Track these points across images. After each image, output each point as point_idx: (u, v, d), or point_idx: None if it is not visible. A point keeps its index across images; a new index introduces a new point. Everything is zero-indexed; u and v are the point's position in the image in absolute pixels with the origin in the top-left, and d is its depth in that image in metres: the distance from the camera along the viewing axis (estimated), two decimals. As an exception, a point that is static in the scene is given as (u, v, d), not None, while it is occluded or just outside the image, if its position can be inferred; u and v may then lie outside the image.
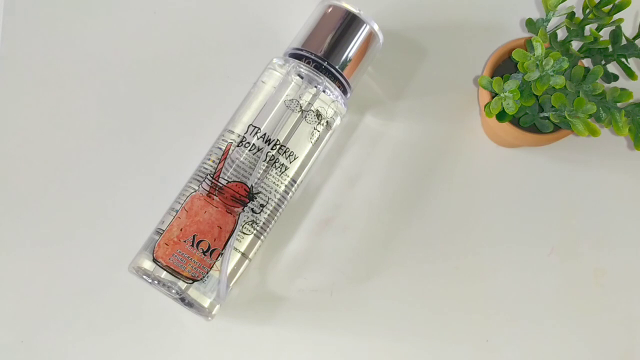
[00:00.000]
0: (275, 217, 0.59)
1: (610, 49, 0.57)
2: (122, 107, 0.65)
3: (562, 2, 0.55)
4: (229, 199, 0.56)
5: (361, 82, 0.64)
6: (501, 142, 0.64)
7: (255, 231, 0.57)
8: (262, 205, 0.57)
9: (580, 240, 0.63)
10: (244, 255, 0.58)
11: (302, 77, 0.58)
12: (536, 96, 0.56)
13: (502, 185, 0.64)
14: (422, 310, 0.62)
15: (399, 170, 0.64)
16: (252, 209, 0.57)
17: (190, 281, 0.56)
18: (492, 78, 0.55)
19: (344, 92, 0.60)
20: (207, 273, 0.56)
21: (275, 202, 0.58)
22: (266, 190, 0.57)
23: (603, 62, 0.58)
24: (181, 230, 0.56)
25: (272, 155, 0.57)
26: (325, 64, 0.59)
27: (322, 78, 0.58)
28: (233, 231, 0.56)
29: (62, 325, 0.61)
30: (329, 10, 0.60)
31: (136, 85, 0.65)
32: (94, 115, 0.65)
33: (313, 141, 0.59)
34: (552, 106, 0.55)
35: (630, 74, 0.57)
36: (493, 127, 0.61)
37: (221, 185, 0.56)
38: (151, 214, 0.60)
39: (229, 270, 0.57)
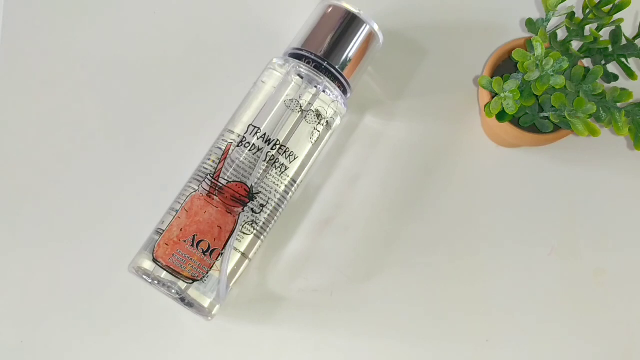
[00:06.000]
0: (275, 217, 0.59)
1: (610, 49, 0.57)
2: (122, 107, 0.65)
3: (562, 2, 0.55)
4: (229, 199, 0.56)
5: (361, 82, 0.64)
6: (501, 142, 0.64)
7: (255, 231, 0.57)
8: (262, 205, 0.57)
9: (580, 240, 0.63)
10: (244, 255, 0.58)
11: (302, 77, 0.58)
12: (536, 96, 0.56)
13: (502, 185, 0.64)
14: (422, 310, 0.62)
15: (399, 170, 0.64)
16: (252, 209, 0.57)
17: (190, 281, 0.56)
18: (492, 78, 0.55)
19: (344, 92, 0.60)
20: (207, 273, 0.56)
21: (275, 202, 0.58)
22: (266, 190, 0.57)
23: (603, 62, 0.58)
24: (181, 230, 0.56)
25: (272, 155, 0.57)
26: (325, 64, 0.59)
27: (322, 78, 0.58)
28: (233, 231, 0.56)
29: (62, 325, 0.61)
30: (329, 10, 0.60)
31: (136, 85, 0.65)
32: (94, 115, 0.65)
33: (313, 141, 0.59)
34: (552, 106, 0.55)
35: (630, 74, 0.57)
36: (493, 127, 0.61)
37: (221, 185, 0.56)
38: (151, 214, 0.60)
39: (229, 270, 0.57)
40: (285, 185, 0.58)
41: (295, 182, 0.59)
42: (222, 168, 0.57)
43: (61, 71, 0.66)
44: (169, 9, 0.67)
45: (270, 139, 0.57)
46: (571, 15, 0.56)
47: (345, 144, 0.64)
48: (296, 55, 0.59)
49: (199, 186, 0.57)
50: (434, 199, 0.63)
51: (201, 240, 0.55)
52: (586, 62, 0.60)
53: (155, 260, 0.56)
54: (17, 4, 0.67)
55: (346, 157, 0.64)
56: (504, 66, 0.60)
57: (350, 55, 0.59)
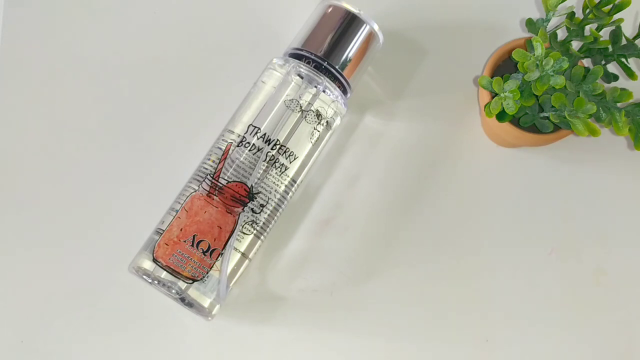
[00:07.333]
0: (275, 217, 0.59)
1: (610, 49, 0.57)
2: (122, 108, 0.65)
3: (562, 2, 0.55)
4: (229, 199, 0.56)
5: (361, 82, 0.64)
6: (501, 142, 0.64)
7: (255, 231, 0.57)
8: (262, 205, 0.57)
9: (580, 240, 0.63)
10: (244, 255, 0.58)
11: (302, 77, 0.58)
12: (536, 96, 0.56)
13: (502, 185, 0.64)
14: (422, 310, 0.62)
15: (399, 170, 0.64)
16: (252, 209, 0.57)
17: (190, 281, 0.56)
18: (492, 78, 0.55)
19: (344, 92, 0.60)
20: (207, 273, 0.56)
21: (275, 202, 0.58)
22: (266, 190, 0.57)
23: (603, 62, 0.58)
24: (181, 230, 0.56)
25: (272, 155, 0.57)
26: (325, 64, 0.59)
27: (322, 78, 0.58)
28: (233, 231, 0.56)
29: (62, 325, 0.61)
30: (329, 10, 0.60)
31: (136, 85, 0.65)
32: (94, 115, 0.65)
33: (313, 141, 0.59)
34: (552, 106, 0.55)
35: (630, 74, 0.57)
36: (493, 127, 0.61)
37: (221, 185, 0.56)
38: (151, 214, 0.60)
39: (229, 270, 0.57)
40: (285, 185, 0.58)
41: (295, 182, 0.59)
42: (222, 168, 0.57)
43: (61, 71, 0.66)
44: (169, 9, 0.67)
45: (270, 139, 0.57)
46: (571, 15, 0.56)
47: (345, 144, 0.64)
48: (296, 55, 0.59)
49: (199, 186, 0.57)
50: (434, 199, 0.63)
51: (201, 240, 0.55)
52: (586, 62, 0.60)
53: (155, 260, 0.56)
54: (17, 4, 0.67)
55: (346, 157, 0.64)
56: (504, 66, 0.60)
57: (350, 55, 0.59)
